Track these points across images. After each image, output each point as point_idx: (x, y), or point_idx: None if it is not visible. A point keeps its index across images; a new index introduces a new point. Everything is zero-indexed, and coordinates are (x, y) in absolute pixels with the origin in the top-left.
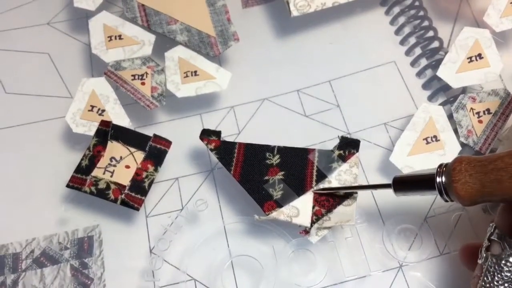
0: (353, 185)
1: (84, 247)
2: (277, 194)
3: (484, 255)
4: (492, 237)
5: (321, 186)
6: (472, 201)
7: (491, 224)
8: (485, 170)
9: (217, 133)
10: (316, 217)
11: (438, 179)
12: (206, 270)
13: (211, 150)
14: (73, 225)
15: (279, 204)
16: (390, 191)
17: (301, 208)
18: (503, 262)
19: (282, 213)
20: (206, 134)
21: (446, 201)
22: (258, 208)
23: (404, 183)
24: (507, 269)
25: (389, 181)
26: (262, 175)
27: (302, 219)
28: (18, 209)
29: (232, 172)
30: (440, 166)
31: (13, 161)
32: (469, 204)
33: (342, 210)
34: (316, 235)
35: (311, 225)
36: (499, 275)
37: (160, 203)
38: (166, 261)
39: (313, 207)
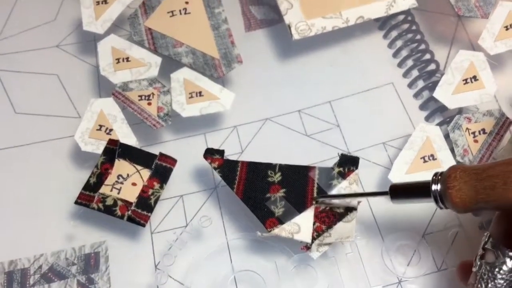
0: (352, 193)
1: (90, 262)
2: (278, 211)
3: (479, 263)
4: (486, 246)
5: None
6: (466, 208)
7: (485, 234)
8: (479, 178)
9: (221, 152)
10: (317, 233)
11: (434, 187)
12: (210, 285)
13: (215, 168)
14: (80, 241)
15: (281, 220)
16: (389, 210)
17: (302, 224)
18: (496, 269)
19: (283, 230)
20: (210, 153)
21: (441, 208)
22: (260, 225)
23: (401, 191)
24: (500, 276)
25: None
26: (264, 193)
27: (303, 235)
28: (27, 225)
29: (235, 190)
30: (436, 174)
31: (22, 179)
32: (463, 211)
33: (342, 227)
34: (317, 251)
35: (312, 241)
36: (492, 283)
37: (165, 220)
38: (170, 277)
39: (314, 224)
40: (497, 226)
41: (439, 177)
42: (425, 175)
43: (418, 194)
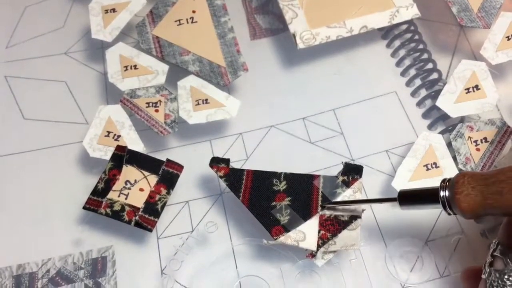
0: (362, 200)
1: (98, 267)
2: (284, 219)
3: (488, 270)
4: (495, 253)
5: (326, 211)
6: (474, 213)
7: (494, 241)
8: (487, 183)
9: (226, 161)
10: (322, 241)
11: (442, 193)
12: None
13: (221, 177)
14: (87, 245)
15: (286, 229)
16: (392, 217)
17: (307, 232)
18: (505, 277)
19: (289, 238)
20: (215, 162)
21: (449, 214)
22: (265, 231)
23: (409, 197)
24: (509, 283)
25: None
26: (270, 201)
27: (308, 243)
28: (35, 230)
29: (241, 198)
30: (444, 180)
31: (31, 183)
32: (471, 217)
33: (347, 235)
34: (322, 258)
35: (317, 249)
36: None
37: (171, 225)
38: (177, 281)
39: (319, 232)
40: (505, 233)
41: (447, 183)
42: (428, 183)
43: (427, 200)
